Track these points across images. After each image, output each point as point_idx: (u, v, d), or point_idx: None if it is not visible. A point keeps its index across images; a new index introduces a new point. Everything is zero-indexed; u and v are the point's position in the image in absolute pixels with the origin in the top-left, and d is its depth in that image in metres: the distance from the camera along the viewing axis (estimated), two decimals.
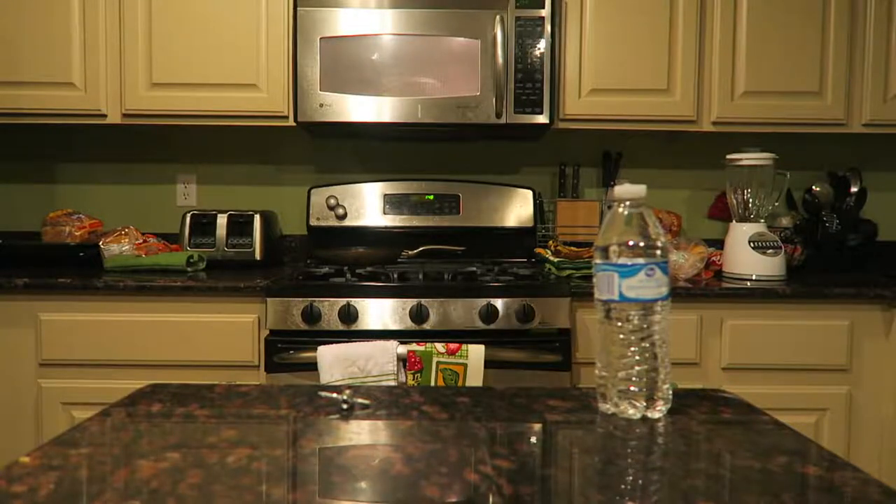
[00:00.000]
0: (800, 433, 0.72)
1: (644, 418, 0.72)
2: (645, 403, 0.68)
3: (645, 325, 0.65)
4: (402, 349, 1.71)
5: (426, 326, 1.79)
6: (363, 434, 0.69)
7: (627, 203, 0.69)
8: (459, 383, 1.70)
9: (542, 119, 2.08)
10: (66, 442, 0.64)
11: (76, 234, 2.23)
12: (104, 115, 2.16)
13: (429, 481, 0.55)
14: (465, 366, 1.70)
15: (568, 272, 2.01)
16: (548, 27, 2.07)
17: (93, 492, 0.53)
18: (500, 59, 2.01)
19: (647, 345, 0.65)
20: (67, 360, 1.87)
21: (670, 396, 0.68)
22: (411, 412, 0.75)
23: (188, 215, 2.23)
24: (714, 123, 2.19)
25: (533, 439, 0.69)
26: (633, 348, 0.66)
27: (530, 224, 2.41)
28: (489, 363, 1.72)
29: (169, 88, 2.14)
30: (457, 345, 1.71)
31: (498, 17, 2.02)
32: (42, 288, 1.86)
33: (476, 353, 1.71)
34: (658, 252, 0.64)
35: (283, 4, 2.13)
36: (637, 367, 0.66)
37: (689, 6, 2.15)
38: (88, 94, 2.14)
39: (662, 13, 2.16)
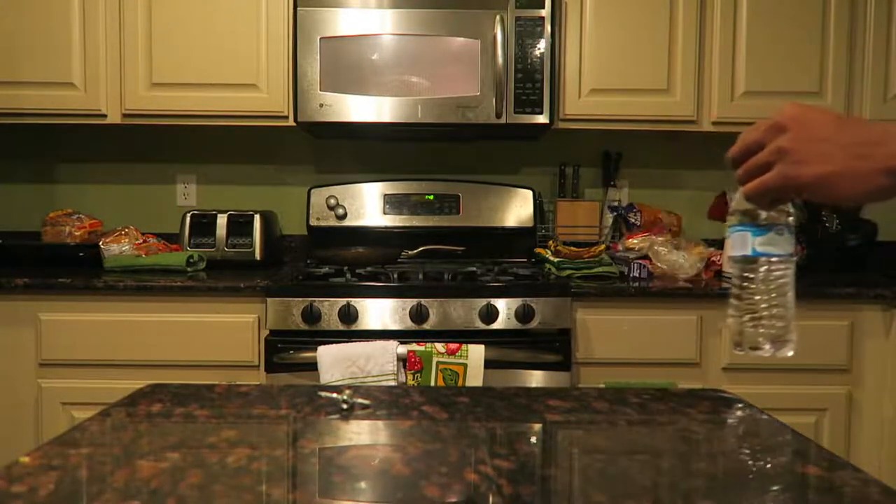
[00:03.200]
0: (800, 433, 0.72)
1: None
2: (774, 345, 0.73)
3: (772, 278, 0.71)
4: (402, 349, 1.71)
5: (426, 326, 1.79)
6: (363, 434, 0.69)
7: None
8: (459, 383, 1.70)
9: (542, 119, 2.08)
10: (66, 442, 0.64)
11: (76, 234, 2.23)
12: (104, 115, 2.16)
13: (429, 481, 0.55)
14: (465, 366, 1.70)
15: (568, 272, 2.01)
16: (548, 27, 2.07)
17: (93, 492, 0.53)
18: (500, 59, 2.01)
19: (775, 294, 0.71)
20: (67, 360, 1.87)
21: (795, 339, 0.74)
22: (411, 412, 0.75)
23: (188, 215, 2.23)
24: (714, 123, 2.19)
25: (533, 439, 0.69)
26: (762, 296, 0.71)
27: (530, 224, 2.41)
28: (489, 363, 1.72)
29: (169, 88, 2.14)
30: (457, 345, 1.71)
31: (498, 17, 2.02)
32: (42, 288, 1.86)
33: (476, 353, 1.71)
34: (788, 217, 0.70)
35: (283, 4, 2.13)
36: (766, 314, 0.72)
37: (689, 6, 2.15)
38: (88, 94, 2.14)
39: (662, 13, 2.16)
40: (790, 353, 0.73)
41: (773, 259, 0.70)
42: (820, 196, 0.65)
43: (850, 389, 1.90)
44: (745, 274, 0.72)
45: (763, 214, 0.69)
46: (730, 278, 0.75)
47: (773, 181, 0.65)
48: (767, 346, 0.72)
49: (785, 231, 0.70)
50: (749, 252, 0.70)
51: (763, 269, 0.71)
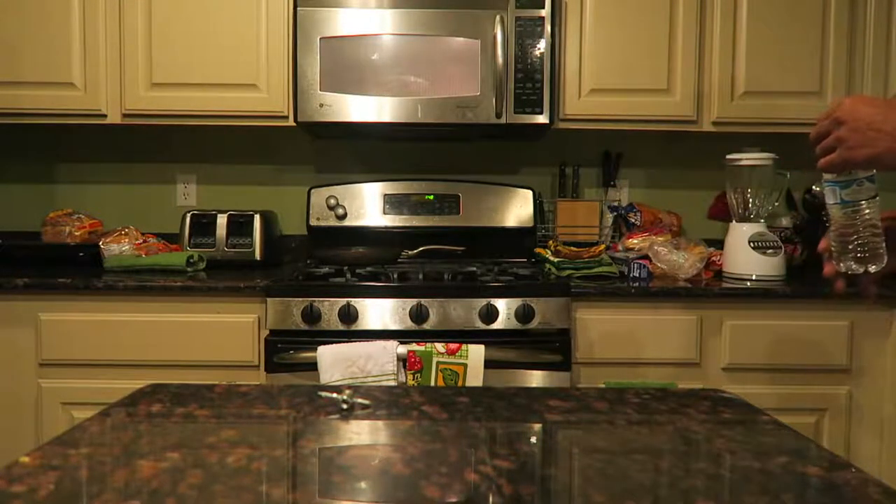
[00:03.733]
0: (800, 433, 0.72)
1: None
2: (863, 265, 0.93)
3: (859, 216, 0.92)
4: (402, 349, 1.71)
5: (426, 326, 1.79)
6: (363, 434, 0.69)
7: None
8: (459, 383, 1.70)
9: (542, 119, 2.08)
10: (66, 442, 0.64)
11: (76, 234, 2.23)
12: (104, 115, 2.16)
13: (429, 481, 0.55)
14: (465, 366, 1.70)
15: (568, 272, 2.01)
16: (548, 27, 2.07)
17: (93, 492, 0.53)
18: (500, 59, 2.01)
19: (862, 228, 0.92)
20: (67, 360, 1.87)
21: (885, 260, 0.93)
22: (411, 412, 0.75)
23: (188, 215, 2.23)
24: (714, 123, 2.19)
25: (533, 439, 0.69)
26: (852, 230, 0.93)
27: (530, 224, 2.41)
28: (489, 363, 1.72)
29: (169, 88, 2.14)
30: (457, 345, 1.71)
31: (498, 17, 2.02)
32: (42, 288, 1.86)
33: (476, 353, 1.71)
34: (864, 172, 0.90)
35: (283, 4, 2.13)
36: (857, 242, 0.93)
37: (689, 6, 2.15)
38: (88, 94, 2.14)
39: (662, 13, 2.16)
40: (882, 265, 0.93)
41: (861, 203, 0.91)
42: (875, 168, 0.88)
43: (850, 389, 1.90)
44: (841, 215, 0.93)
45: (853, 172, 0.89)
46: (828, 224, 0.96)
47: (836, 160, 0.88)
48: (860, 266, 0.93)
49: (865, 182, 0.90)
50: (839, 201, 0.92)
51: (850, 210, 0.92)
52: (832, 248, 0.95)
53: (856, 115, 0.85)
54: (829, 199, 0.93)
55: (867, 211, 0.92)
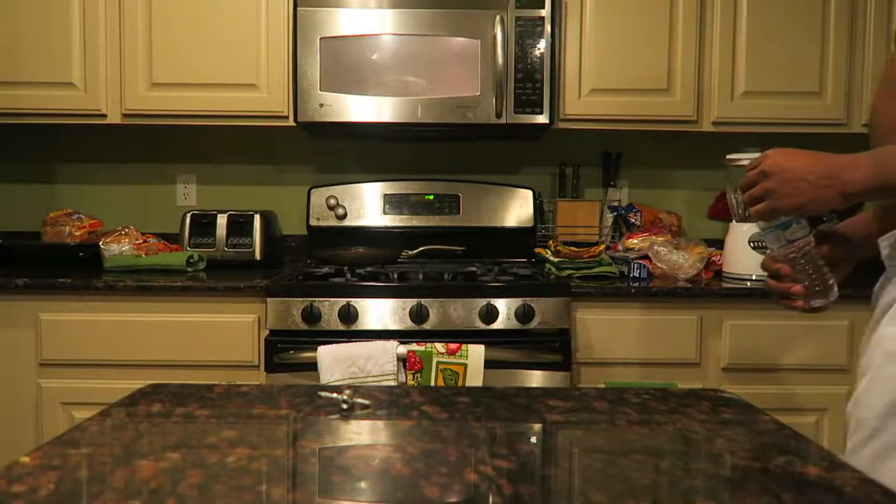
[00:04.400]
0: (800, 433, 0.72)
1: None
2: (825, 297, 0.99)
3: (806, 252, 0.98)
4: (402, 349, 1.71)
5: (426, 326, 1.79)
6: (363, 434, 0.69)
7: None
8: (459, 383, 1.70)
9: (542, 119, 2.08)
10: (66, 442, 0.64)
11: (76, 234, 2.23)
12: (104, 115, 2.16)
13: (429, 481, 0.55)
14: (465, 366, 1.70)
15: (568, 272, 2.01)
16: (548, 27, 2.07)
17: (93, 492, 0.53)
18: (500, 59, 2.01)
19: (812, 264, 0.98)
20: (67, 360, 1.87)
21: (836, 291, 1.00)
22: (411, 412, 0.75)
23: (188, 215, 2.23)
24: (714, 123, 2.19)
25: (533, 439, 0.69)
26: (803, 269, 0.98)
27: (530, 224, 2.41)
28: (489, 363, 1.72)
29: (169, 88, 2.14)
30: (457, 345, 1.71)
31: (498, 17, 2.02)
32: (42, 288, 1.86)
33: (476, 353, 1.71)
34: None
35: (283, 4, 2.13)
36: (813, 278, 0.98)
37: (689, 6, 2.15)
38: (88, 94, 2.14)
39: (662, 13, 2.16)
40: (836, 295, 0.99)
41: (806, 238, 0.97)
42: (800, 213, 0.93)
43: (850, 389, 1.89)
44: (790, 256, 0.98)
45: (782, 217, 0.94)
46: (792, 252, 1.00)
47: (764, 210, 0.93)
48: (820, 301, 0.99)
49: (802, 220, 0.96)
50: (784, 242, 0.97)
51: (796, 248, 0.97)
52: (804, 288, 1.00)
53: (782, 167, 0.90)
54: (775, 244, 0.98)
55: (810, 247, 0.98)
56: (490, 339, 1.77)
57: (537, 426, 0.72)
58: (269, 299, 1.80)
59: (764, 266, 1.03)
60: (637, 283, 1.93)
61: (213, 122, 2.18)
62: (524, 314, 1.79)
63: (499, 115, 2.05)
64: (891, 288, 0.92)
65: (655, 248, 2.07)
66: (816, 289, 0.99)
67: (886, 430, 0.82)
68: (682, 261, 2.02)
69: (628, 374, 1.89)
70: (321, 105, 2.06)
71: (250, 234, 2.22)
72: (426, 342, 1.72)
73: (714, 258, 2.08)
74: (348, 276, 1.94)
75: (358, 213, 2.39)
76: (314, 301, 1.79)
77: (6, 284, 1.84)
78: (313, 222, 2.39)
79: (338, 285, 1.84)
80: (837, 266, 1.04)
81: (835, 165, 0.87)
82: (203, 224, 2.22)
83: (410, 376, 1.70)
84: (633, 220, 2.38)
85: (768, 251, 1.02)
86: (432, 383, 1.70)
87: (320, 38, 2.05)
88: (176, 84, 2.14)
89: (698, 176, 2.54)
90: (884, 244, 0.95)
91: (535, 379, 1.80)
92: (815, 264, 0.99)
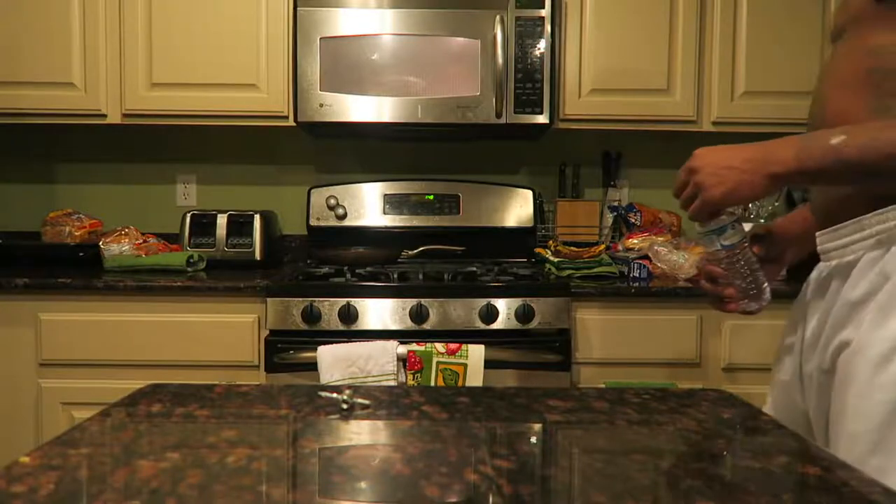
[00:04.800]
0: (799, 433, 0.72)
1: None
2: (758, 302, 1.01)
3: (742, 256, 0.98)
4: (402, 349, 1.71)
5: (426, 326, 1.79)
6: (363, 434, 0.69)
7: None
8: (459, 383, 1.70)
9: (542, 119, 2.08)
10: (66, 442, 0.64)
11: (76, 234, 2.23)
12: (104, 115, 2.16)
13: (429, 481, 0.55)
14: (465, 366, 1.70)
15: (568, 272, 2.01)
16: (548, 27, 2.07)
17: (93, 492, 0.53)
18: (500, 59, 2.01)
19: (748, 267, 0.99)
20: (67, 360, 1.87)
21: (769, 295, 1.01)
22: (411, 412, 0.75)
23: (188, 215, 2.23)
24: (714, 123, 2.19)
25: (533, 439, 0.69)
26: (738, 272, 0.99)
27: (530, 224, 2.41)
28: (489, 363, 1.72)
29: (169, 88, 2.14)
30: (457, 345, 1.71)
31: (498, 17, 2.02)
32: (42, 288, 1.86)
33: (476, 353, 1.71)
34: (731, 217, 0.95)
35: (283, 4, 2.13)
36: (748, 281, 1.00)
37: (689, 6, 2.15)
38: (88, 94, 2.14)
39: (662, 13, 2.16)
40: (769, 299, 1.01)
41: (742, 244, 0.96)
42: (734, 202, 0.89)
43: None
44: (726, 261, 0.98)
45: (718, 219, 0.94)
46: (728, 257, 0.99)
47: (698, 207, 0.91)
48: (754, 305, 1.02)
49: (737, 225, 0.95)
50: (719, 247, 0.97)
51: (732, 253, 0.97)
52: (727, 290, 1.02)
53: (707, 159, 0.89)
54: (710, 247, 0.98)
55: (746, 251, 0.98)
56: (490, 339, 1.77)
57: (537, 426, 0.72)
58: (269, 299, 1.80)
59: (699, 268, 1.06)
60: (637, 283, 1.93)
61: (213, 122, 2.18)
62: (524, 314, 1.79)
63: (499, 115, 2.05)
64: (845, 288, 0.86)
65: (655, 248, 2.06)
66: (751, 292, 1.00)
67: (887, 441, 0.76)
68: (682, 261, 2.01)
69: (628, 374, 1.89)
70: (321, 105, 2.06)
71: (250, 234, 2.22)
72: (426, 342, 1.72)
73: None
74: (348, 276, 1.94)
75: (358, 213, 2.39)
76: (314, 301, 1.79)
77: (6, 284, 1.84)
78: (313, 222, 2.39)
79: (338, 285, 1.84)
80: (770, 266, 1.05)
81: (761, 149, 0.86)
82: (203, 224, 2.22)
83: (410, 376, 1.70)
84: (633, 220, 2.38)
85: (704, 254, 1.04)
86: (432, 383, 1.70)
87: (320, 38, 2.05)
88: (176, 84, 2.14)
89: None
90: (822, 238, 0.92)
91: (535, 379, 1.80)
92: (751, 268, 0.99)
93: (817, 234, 0.93)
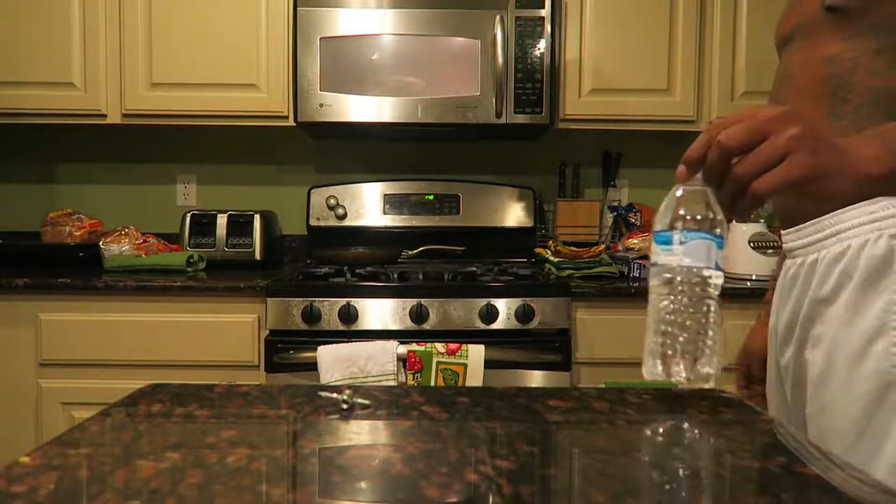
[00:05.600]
0: (800, 433, 0.72)
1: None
2: (687, 368, 0.69)
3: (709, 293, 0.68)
4: (402, 349, 1.71)
5: (426, 326, 1.79)
6: (363, 434, 0.69)
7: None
8: (459, 383, 1.70)
9: (542, 119, 2.08)
10: (66, 442, 0.64)
11: (76, 234, 2.23)
12: (104, 115, 2.16)
13: (429, 481, 0.55)
14: (465, 366, 1.70)
15: (568, 272, 2.01)
16: (548, 27, 2.07)
17: (93, 492, 0.53)
18: (500, 59, 2.01)
19: (705, 311, 0.67)
20: (67, 360, 1.87)
21: (709, 374, 0.69)
22: (411, 412, 0.75)
23: (188, 215, 2.23)
24: None
25: (533, 439, 0.69)
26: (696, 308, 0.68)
27: (530, 224, 2.41)
28: (489, 363, 1.72)
29: (169, 88, 2.14)
30: (457, 345, 1.71)
31: (498, 17, 2.02)
32: (42, 288, 1.86)
33: (476, 353, 1.71)
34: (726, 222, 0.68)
35: (283, 4, 2.13)
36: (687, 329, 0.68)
37: (689, 6, 2.15)
38: (88, 94, 2.14)
39: (662, 13, 2.16)
40: (708, 378, 0.71)
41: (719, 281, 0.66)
42: (812, 192, 0.66)
43: None
44: (706, 288, 0.66)
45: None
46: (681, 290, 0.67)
47: (797, 172, 0.63)
48: (682, 374, 0.70)
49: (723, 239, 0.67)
50: (713, 265, 0.65)
51: (713, 288, 0.66)
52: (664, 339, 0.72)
53: (808, 122, 0.65)
54: (697, 260, 0.67)
55: (716, 303, 0.69)
56: (490, 339, 1.77)
57: (537, 426, 0.72)
58: (269, 299, 1.80)
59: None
60: (637, 283, 1.93)
61: (213, 122, 2.18)
62: (524, 314, 1.79)
63: (499, 115, 2.05)
64: (812, 286, 0.85)
65: None
66: (693, 353, 0.69)
67: (871, 428, 0.80)
68: None
69: (628, 374, 1.89)
70: (321, 105, 2.06)
71: (250, 234, 2.22)
72: (426, 342, 1.72)
73: None
74: (348, 276, 1.94)
75: (358, 213, 2.39)
76: (314, 301, 1.79)
77: (6, 284, 1.85)
78: (313, 222, 2.39)
79: (338, 285, 1.84)
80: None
81: (841, 143, 0.69)
82: (203, 224, 2.22)
83: (410, 376, 1.70)
84: (633, 220, 2.38)
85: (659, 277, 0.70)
86: (432, 383, 1.70)
87: (320, 38, 2.05)
88: (176, 84, 2.14)
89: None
90: (787, 237, 0.92)
91: (535, 379, 1.80)
92: (712, 326, 0.69)
93: (782, 232, 0.94)
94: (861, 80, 0.81)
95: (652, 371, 0.70)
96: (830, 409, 0.82)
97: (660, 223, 0.70)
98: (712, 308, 0.67)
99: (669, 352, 0.68)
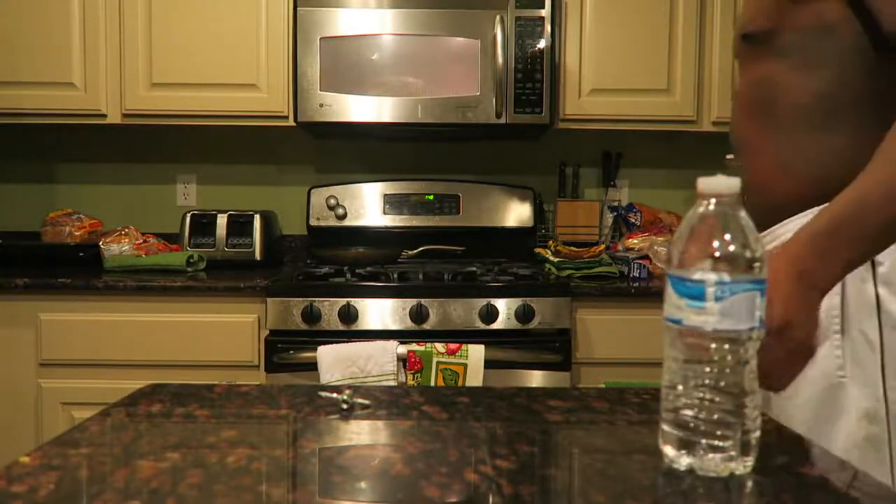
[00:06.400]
0: (799, 433, 0.72)
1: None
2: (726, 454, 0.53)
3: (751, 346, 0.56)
4: (402, 349, 1.71)
5: (426, 326, 1.79)
6: (363, 434, 0.69)
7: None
8: (459, 383, 1.70)
9: (542, 119, 2.08)
10: (66, 442, 0.64)
11: (76, 234, 2.23)
12: (104, 115, 2.16)
13: (429, 481, 0.55)
14: (465, 366, 1.70)
15: (568, 272, 2.01)
16: (548, 27, 2.07)
17: (93, 492, 0.53)
18: (500, 59, 2.01)
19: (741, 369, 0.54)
20: (67, 360, 1.87)
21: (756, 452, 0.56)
22: (411, 412, 0.75)
23: (188, 215, 2.23)
24: (714, 123, 2.19)
25: (533, 439, 0.69)
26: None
27: (530, 224, 2.41)
28: (489, 363, 1.72)
29: (169, 88, 2.14)
30: (457, 345, 1.71)
31: (498, 17, 2.02)
32: (42, 288, 1.86)
33: (476, 353, 1.71)
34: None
35: (283, 4, 2.13)
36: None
37: (689, 6, 2.15)
38: (88, 94, 2.14)
39: (662, 13, 2.16)
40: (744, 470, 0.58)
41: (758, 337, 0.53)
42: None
43: None
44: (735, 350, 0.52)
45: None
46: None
47: (800, 367, 0.73)
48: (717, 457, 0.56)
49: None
50: (757, 322, 0.51)
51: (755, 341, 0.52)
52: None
53: (787, 306, 0.70)
54: (730, 320, 0.54)
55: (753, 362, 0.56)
56: (490, 339, 1.77)
57: (537, 426, 0.72)
58: (269, 299, 1.80)
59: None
60: (637, 283, 1.93)
61: (213, 122, 2.18)
62: (524, 314, 1.79)
63: (499, 115, 2.05)
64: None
65: (655, 248, 2.07)
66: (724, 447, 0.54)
67: (825, 414, 0.82)
68: None
69: (628, 374, 1.89)
70: (321, 105, 2.06)
71: (250, 234, 2.22)
72: (426, 342, 1.72)
73: None
74: (348, 276, 1.94)
75: (358, 213, 2.39)
76: (314, 301, 1.79)
77: (6, 284, 1.84)
78: (313, 222, 2.39)
79: (338, 285, 1.84)
80: None
81: (802, 250, 0.73)
82: (203, 224, 2.22)
83: (410, 376, 1.70)
84: (633, 220, 2.38)
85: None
86: (432, 383, 1.70)
87: (320, 38, 2.05)
88: (176, 84, 2.14)
89: (698, 176, 2.54)
90: (781, 230, 0.93)
91: (535, 379, 1.80)
92: (751, 399, 0.55)
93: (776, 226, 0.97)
94: (781, 98, 0.90)
95: (677, 461, 0.56)
96: (787, 415, 0.84)
97: (679, 258, 0.54)
98: (750, 375, 0.53)
99: (695, 440, 0.54)
